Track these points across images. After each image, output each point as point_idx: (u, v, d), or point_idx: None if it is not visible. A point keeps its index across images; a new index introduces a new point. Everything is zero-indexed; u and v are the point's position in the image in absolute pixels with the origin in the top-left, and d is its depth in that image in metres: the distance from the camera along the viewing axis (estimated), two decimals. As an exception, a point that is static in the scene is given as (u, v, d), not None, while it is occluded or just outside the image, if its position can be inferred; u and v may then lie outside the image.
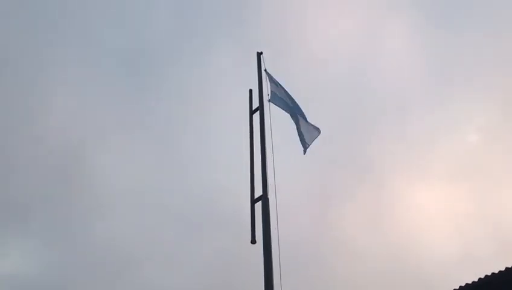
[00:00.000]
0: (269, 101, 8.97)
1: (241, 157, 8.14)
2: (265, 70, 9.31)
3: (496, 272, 8.47)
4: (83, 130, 23.80)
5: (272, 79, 9.32)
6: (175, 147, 23.84)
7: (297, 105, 9.31)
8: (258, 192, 7.81)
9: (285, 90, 9.35)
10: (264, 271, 6.99)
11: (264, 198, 7.69)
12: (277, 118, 8.98)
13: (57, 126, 23.46)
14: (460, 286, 8.79)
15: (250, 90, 9.00)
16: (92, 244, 20.54)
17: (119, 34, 26.45)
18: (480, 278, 8.57)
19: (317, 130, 9.14)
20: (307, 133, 9.02)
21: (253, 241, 7.41)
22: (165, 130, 24.59)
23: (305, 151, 8.95)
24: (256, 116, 8.66)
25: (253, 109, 8.80)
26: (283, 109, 9.16)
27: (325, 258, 19.74)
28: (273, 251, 7.21)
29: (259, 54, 9.40)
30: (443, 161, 23.41)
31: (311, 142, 9.00)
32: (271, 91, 9.14)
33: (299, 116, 9.15)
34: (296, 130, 9.03)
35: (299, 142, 8.96)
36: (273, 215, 7.54)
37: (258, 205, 7.65)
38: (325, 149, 21.15)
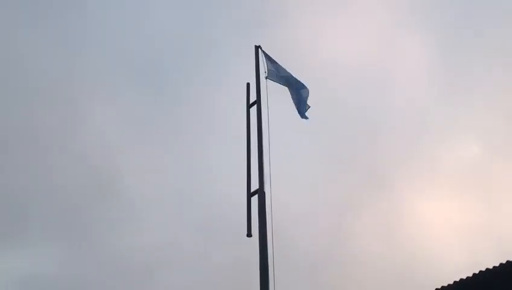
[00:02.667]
0: (266, 78, 8.99)
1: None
2: (259, 47, 9.30)
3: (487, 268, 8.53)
4: (111, 146, 24.27)
5: (268, 57, 9.33)
6: (188, 156, 24.06)
7: (295, 78, 9.35)
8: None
9: (281, 66, 9.36)
10: (260, 264, 7.01)
11: (261, 192, 7.69)
12: (275, 111, 9.05)
13: (89, 141, 24.29)
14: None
15: (248, 84, 8.99)
16: (115, 250, 21.29)
17: (134, 48, 26.73)
18: (474, 274, 8.63)
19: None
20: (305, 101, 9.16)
21: (249, 235, 7.42)
22: (180, 140, 24.88)
23: (303, 115, 9.12)
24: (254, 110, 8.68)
25: (251, 102, 8.80)
26: (280, 83, 9.21)
27: (336, 264, 20.60)
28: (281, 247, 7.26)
29: (257, 48, 9.37)
30: (451, 174, 24.25)
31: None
32: (268, 69, 9.15)
33: (296, 88, 9.24)
34: (294, 99, 9.15)
35: (297, 111, 9.13)
36: (277, 210, 7.59)
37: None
38: (343, 162, 23.17)
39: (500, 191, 22.01)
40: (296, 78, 9.43)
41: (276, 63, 9.44)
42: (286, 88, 9.42)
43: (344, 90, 25.12)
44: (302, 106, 9.23)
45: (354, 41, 27.18)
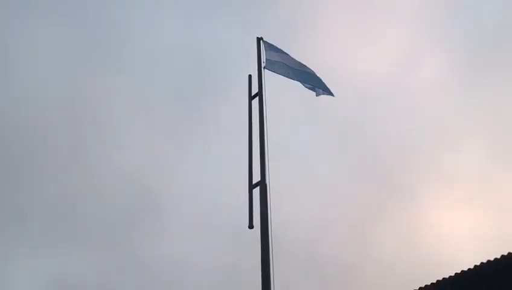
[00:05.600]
0: (264, 68, 8.97)
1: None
2: (261, 39, 9.27)
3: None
4: (151, 161, 25.48)
5: (269, 47, 9.30)
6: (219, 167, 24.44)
7: (305, 67, 9.33)
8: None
9: (287, 55, 9.32)
10: (261, 256, 7.04)
11: (262, 183, 7.70)
12: (276, 103, 9.05)
13: (131, 157, 25.49)
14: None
15: (250, 76, 8.97)
16: (147, 257, 22.23)
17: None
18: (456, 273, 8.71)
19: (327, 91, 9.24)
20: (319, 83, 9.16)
21: (251, 227, 7.46)
22: (210, 150, 25.25)
23: (318, 93, 9.21)
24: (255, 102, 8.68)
25: (252, 94, 8.79)
26: (279, 74, 9.14)
27: (354, 269, 21.28)
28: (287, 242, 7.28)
29: (258, 40, 9.35)
30: (468, 185, 25.06)
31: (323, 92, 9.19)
32: (266, 59, 9.11)
33: (304, 74, 9.23)
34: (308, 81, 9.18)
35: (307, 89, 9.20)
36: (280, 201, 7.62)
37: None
38: (364, 171, 24.15)
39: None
40: (305, 69, 9.36)
41: (282, 52, 9.39)
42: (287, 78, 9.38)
43: (365, 104, 26.24)
44: (320, 84, 9.20)
45: (376, 57, 28.23)
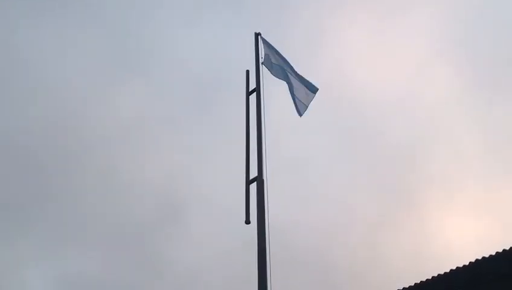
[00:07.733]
0: (262, 63, 8.95)
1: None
2: (259, 34, 9.26)
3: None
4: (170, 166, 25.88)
5: (266, 44, 9.28)
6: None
7: (292, 68, 9.27)
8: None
9: (281, 56, 9.29)
10: (258, 251, 7.07)
11: (259, 179, 7.72)
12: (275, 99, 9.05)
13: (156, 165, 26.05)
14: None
15: (247, 71, 8.99)
16: (164, 259, 22.71)
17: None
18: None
19: (314, 90, 9.07)
20: (303, 95, 9.04)
21: (248, 222, 7.48)
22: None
23: (301, 114, 8.99)
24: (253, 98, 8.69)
25: (250, 90, 8.80)
26: (274, 75, 9.10)
27: (362, 275, 21.23)
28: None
29: (257, 35, 9.35)
30: (478, 197, 25.11)
31: (308, 103, 9.03)
32: (265, 54, 9.11)
33: (292, 79, 9.13)
34: (290, 94, 9.06)
35: (294, 106, 9.02)
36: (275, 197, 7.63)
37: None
38: (375, 182, 24.52)
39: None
40: (299, 75, 9.24)
41: (278, 53, 9.36)
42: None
43: (371, 110, 26.50)
44: (298, 103, 9.05)
45: (385, 65, 28.50)
